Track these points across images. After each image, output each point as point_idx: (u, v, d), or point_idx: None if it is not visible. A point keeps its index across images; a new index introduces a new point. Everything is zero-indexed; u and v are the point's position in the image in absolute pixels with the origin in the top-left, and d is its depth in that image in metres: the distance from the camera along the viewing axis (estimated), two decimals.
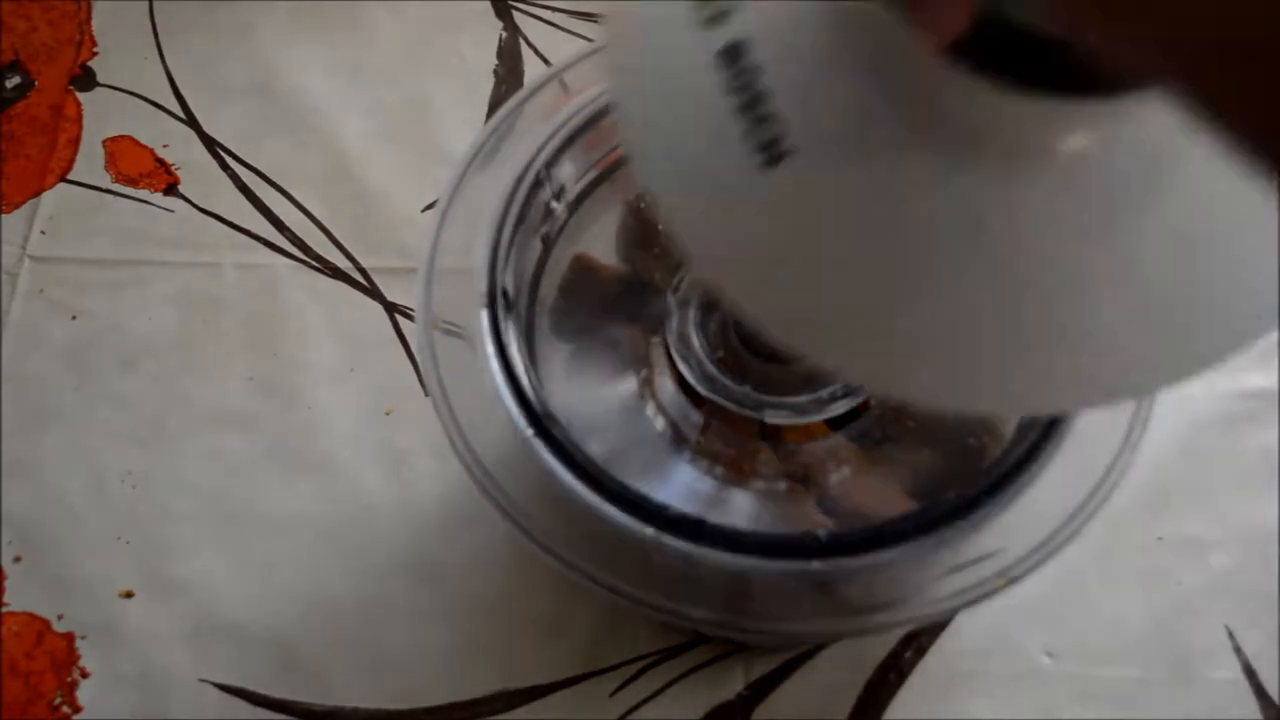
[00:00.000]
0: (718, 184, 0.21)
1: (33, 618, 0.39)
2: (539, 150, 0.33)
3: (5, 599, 0.39)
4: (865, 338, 0.21)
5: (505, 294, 0.31)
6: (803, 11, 0.20)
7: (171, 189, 0.46)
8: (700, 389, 0.33)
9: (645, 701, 0.37)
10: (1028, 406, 0.23)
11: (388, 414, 0.41)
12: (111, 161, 0.47)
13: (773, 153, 0.20)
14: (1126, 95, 0.16)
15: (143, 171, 0.46)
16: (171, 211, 0.46)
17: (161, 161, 0.47)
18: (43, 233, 0.45)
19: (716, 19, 0.21)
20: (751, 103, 0.20)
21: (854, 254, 0.21)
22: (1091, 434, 0.29)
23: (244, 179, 0.46)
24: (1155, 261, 0.21)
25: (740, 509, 0.33)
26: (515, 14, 0.49)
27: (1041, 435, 0.29)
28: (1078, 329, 0.21)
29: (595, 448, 0.30)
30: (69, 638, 0.38)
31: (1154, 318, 0.21)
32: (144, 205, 0.46)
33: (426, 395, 0.30)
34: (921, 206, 0.20)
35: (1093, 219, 0.21)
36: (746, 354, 0.33)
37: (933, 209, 0.20)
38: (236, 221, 0.45)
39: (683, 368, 0.33)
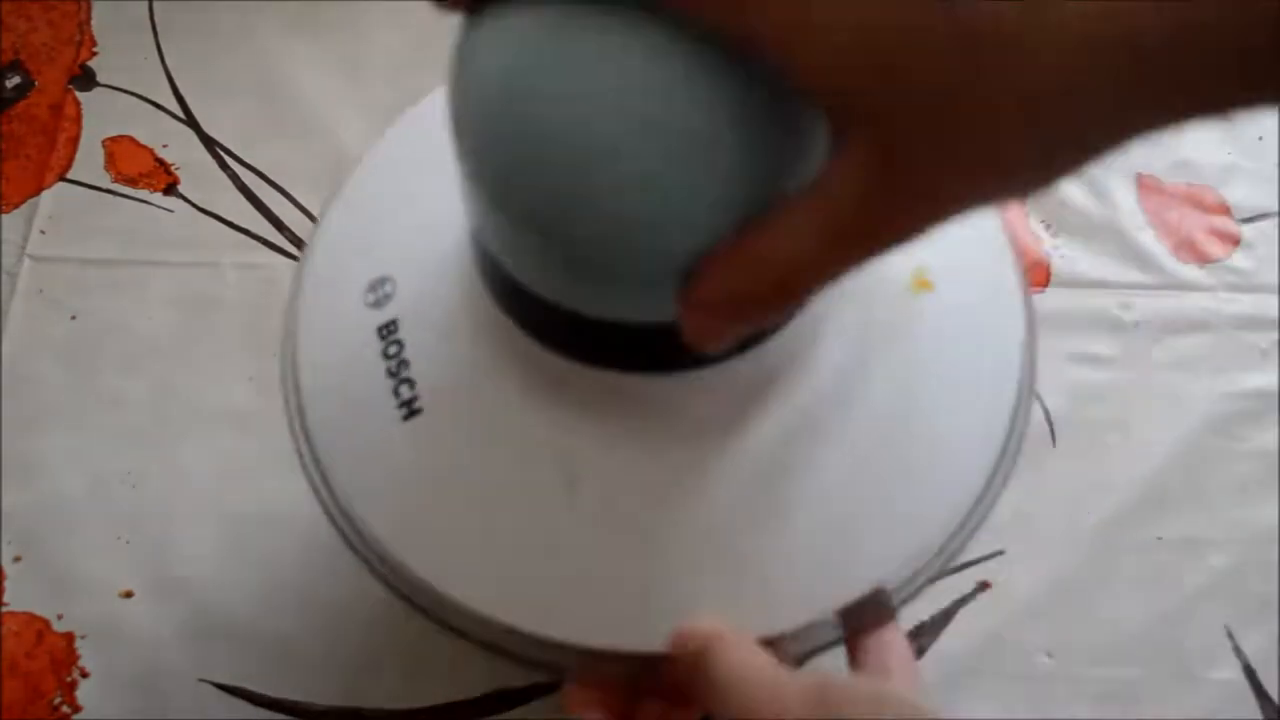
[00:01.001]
0: (371, 429, 0.27)
1: (33, 617, 0.39)
2: None
3: (5, 599, 0.39)
4: (479, 557, 0.26)
5: None
6: (438, 297, 0.26)
7: (171, 189, 0.46)
8: None
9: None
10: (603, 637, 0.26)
11: None
12: (111, 161, 0.47)
13: (410, 409, 0.26)
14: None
15: (142, 171, 0.46)
16: (171, 211, 0.46)
17: (161, 161, 0.47)
18: (42, 232, 0.45)
19: (380, 302, 0.27)
20: (397, 368, 0.27)
21: (472, 487, 0.26)
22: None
23: (244, 179, 0.46)
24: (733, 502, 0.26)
25: None
26: None
27: None
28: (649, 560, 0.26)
29: None
30: (69, 638, 0.38)
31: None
32: (144, 205, 0.46)
33: None
34: (523, 453, 0.26)
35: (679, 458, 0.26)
36: None
37: (529, 451, 0.26)
38: (236, 221, 0.45)
39: None
